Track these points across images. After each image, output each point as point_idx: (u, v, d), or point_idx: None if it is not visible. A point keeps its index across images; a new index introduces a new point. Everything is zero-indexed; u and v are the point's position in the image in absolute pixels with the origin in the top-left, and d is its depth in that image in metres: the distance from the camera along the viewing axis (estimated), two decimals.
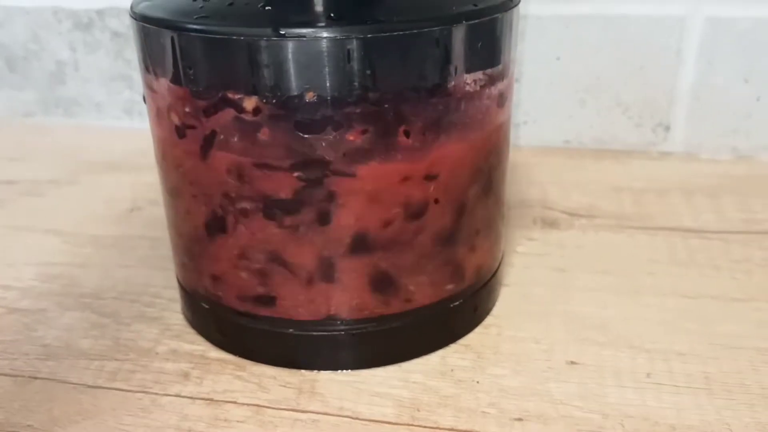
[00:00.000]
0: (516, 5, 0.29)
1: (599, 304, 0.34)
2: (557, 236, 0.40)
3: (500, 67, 0.28)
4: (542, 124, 0.51)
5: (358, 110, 0.25)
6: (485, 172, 0.30)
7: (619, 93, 0.49)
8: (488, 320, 0.33)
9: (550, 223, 0.41)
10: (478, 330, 0.32)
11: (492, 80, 0.28)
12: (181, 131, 0.27)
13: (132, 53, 0.54)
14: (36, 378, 0.30)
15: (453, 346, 0.31)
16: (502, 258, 0.34)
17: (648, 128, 0.50)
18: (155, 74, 0.28)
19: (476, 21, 0.26)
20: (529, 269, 0.37)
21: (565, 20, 0.48)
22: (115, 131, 0.57)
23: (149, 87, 0.28)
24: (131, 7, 0.29)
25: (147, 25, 0.27)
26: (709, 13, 0.46)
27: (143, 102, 0.30)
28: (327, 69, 0.24)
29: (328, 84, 0.24)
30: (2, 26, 0.55)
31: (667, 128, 0.50)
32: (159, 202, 0.43)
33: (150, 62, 0.28)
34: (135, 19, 0.28)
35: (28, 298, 0.35)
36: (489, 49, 0.28)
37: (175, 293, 0.34)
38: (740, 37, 0.46)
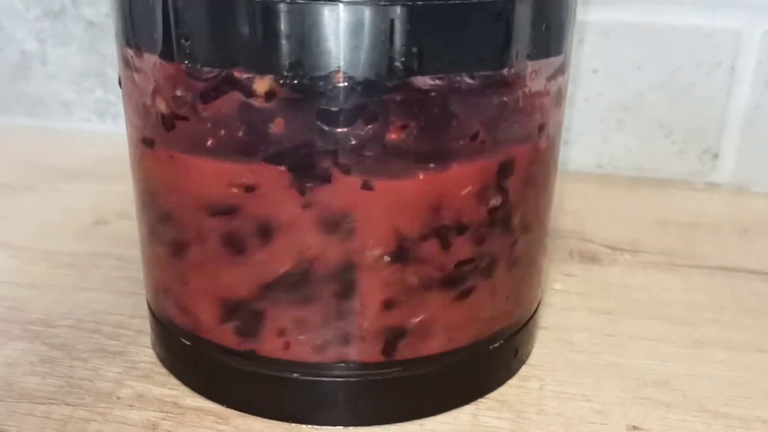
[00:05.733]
0: None
1: (657, 356, 0.30)
2: (599, 273, 0.36)
3: (562, 57, 0.24)
4: (574, 146, 0.49)
5: (398, 98, 0.20)
6: (537, 185, 0.25)
7: (662, 114, 0.47)
8: (525, 371, 0.29)
9: (590, 258, 0.38)
10: (513, 382, 0.28)
11: (554, 73, 0.24)
12: (168, 122, 0.22)
13: (109, 46, 0.51)
14: None
15: (485, 402, 0.27)
16: (541, 296, 0.30)
17: (693, 156, 0.48)
18: (138, 49, 0.23)
19: None
20: (570, 311, 0.33)
21: (604, 28, 0.46)
22: (83, 134, 0.55)
23: (129, 66, 0.24)
24: None
25: None
26: None
27: (119, 86, 0.26)
28: (363, 44, 0.20)
29: (362, 63, 0.20)
30: None
31: (715, 156, 0.47)
32: (129, 216, 0.40)
33: (132, 34, 0.23)
34: None
35: None
36: (553, 34, 0.23)
37: (145, 323, 0.30)
38: None
